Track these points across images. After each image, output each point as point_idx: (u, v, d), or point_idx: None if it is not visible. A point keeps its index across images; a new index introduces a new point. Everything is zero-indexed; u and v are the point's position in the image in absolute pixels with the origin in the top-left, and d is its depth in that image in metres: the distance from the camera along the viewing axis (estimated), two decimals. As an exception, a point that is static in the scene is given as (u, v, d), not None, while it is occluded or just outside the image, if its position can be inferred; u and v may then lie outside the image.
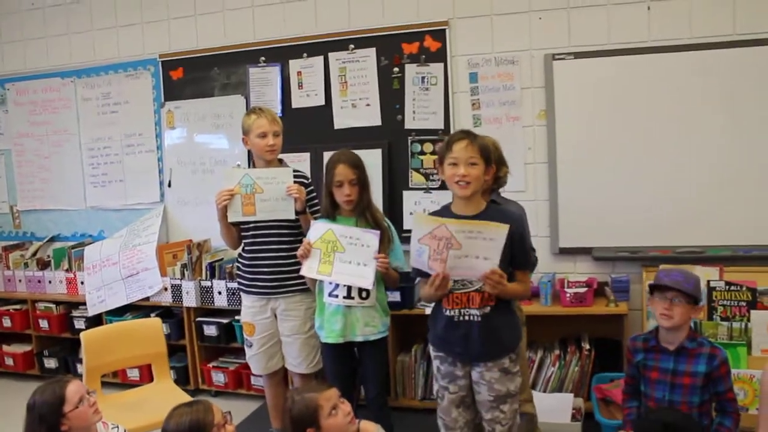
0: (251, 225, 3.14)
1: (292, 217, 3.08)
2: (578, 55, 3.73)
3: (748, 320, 3.31)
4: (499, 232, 2.26)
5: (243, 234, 3.19)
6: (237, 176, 3.07)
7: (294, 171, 3.12)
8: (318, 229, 2.92)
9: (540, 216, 3.85)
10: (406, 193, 4.03)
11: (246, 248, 3.21)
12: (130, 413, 2.91)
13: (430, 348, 2.60)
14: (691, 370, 2.43)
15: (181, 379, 4.26)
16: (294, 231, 3.14)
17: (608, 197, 3.75)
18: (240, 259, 3.27)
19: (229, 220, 3.09)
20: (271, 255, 3.14)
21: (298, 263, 3.02)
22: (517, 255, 2.42)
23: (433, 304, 2.58)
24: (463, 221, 2.33)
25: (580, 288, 3.60)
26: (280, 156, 3.25)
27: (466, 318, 2.43)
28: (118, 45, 4.68)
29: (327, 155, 3.21)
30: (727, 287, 3.37)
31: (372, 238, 2.81)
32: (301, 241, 2.95)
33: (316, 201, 3.22)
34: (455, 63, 3.95)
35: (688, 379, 2.43)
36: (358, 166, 2.90)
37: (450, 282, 2.39)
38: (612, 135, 3.72)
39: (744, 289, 3.35)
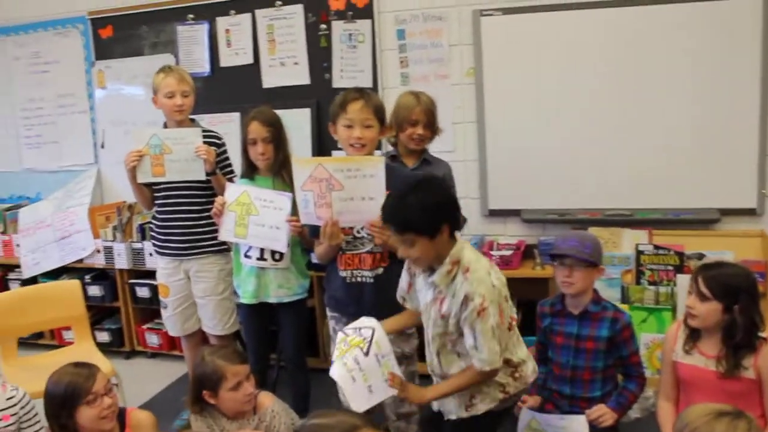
0: (162, 186, 3.09)
1: (202, 178, 3.03)
2: (506, 11, 3.63)
3: (675, 285, 3.24)
4: (377, 165, 2.24)
5: (155, 195, 3.14)
6: (145, 137, 3.02)
7: (204, 131, 3.06)
8: (233, 191, 2.89)
9: (469, 177, 3.80)
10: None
11: (158, 209, 3.16)
12: (37, 376, 2.88)
13: (327, 309, 2.58)
14: (594, 335, 2.39)
15: (116, 341, 4.27)
16: (206, 192, 3.08)
17: (538, 158, 3.68)
18: (153, 221, 3.23)
19: (138, 180, 3.05)
20: (182, 216, 3.10)
21: (211, 225, 2.99)
22: None
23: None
24: (339, 158, 2.30)
25: (506, 251, 3.57)
26: (196, 116, 3.19)
27: (359, 279, 2.41)
28: (45, 1, 4.52)
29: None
30: (656, 251, 3.32)
31: (285, 200, 2.77)
32: (213, 203, 2.90)
33: (229, 162, 3.17)
34: (382, 19, 3.85)
35: (591, 343, 2.39)
36: (272, 124, 2.83)
37: (341, 236, 2.35)
38: (542, 94, 3.64)
39: (672, 253, 3.30)
